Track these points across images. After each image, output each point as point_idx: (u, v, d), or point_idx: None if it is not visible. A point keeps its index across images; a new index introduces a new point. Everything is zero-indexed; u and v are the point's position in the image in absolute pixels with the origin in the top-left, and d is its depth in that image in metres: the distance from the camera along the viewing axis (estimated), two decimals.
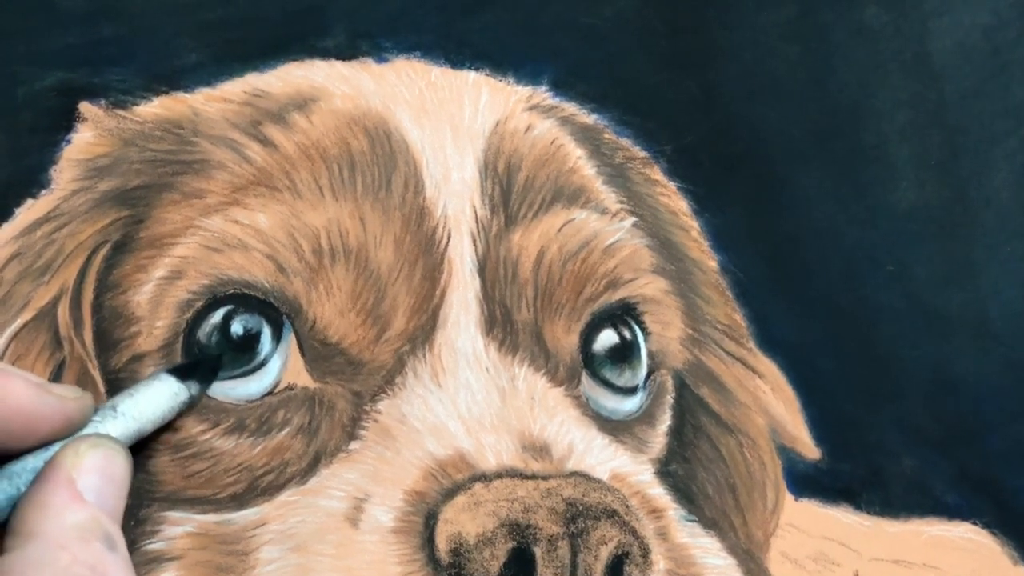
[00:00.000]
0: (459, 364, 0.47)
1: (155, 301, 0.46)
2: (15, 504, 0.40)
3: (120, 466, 0.42)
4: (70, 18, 0.51)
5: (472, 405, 0.46)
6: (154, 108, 0.50)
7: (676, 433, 0.53)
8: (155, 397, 0.44)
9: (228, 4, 0.52)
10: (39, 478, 0.40)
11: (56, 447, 0.41)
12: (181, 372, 0.45)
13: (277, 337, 0.46)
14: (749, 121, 0.57)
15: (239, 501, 0.45)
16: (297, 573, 0.43)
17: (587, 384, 0.50)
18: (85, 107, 0.49)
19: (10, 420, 0.40)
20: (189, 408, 0.45)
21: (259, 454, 0.46)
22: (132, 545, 0.44)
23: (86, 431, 0.42)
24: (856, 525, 0.54)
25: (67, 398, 0.42)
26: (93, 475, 0.40)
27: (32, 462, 0.41)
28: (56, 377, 0.46)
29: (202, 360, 0.46)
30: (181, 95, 0.50)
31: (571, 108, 0.54)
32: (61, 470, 0.40)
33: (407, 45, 0.53)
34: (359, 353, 0.47)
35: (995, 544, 0.55)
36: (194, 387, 0.45)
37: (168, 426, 0.45)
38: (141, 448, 0.45)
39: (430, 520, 0.42)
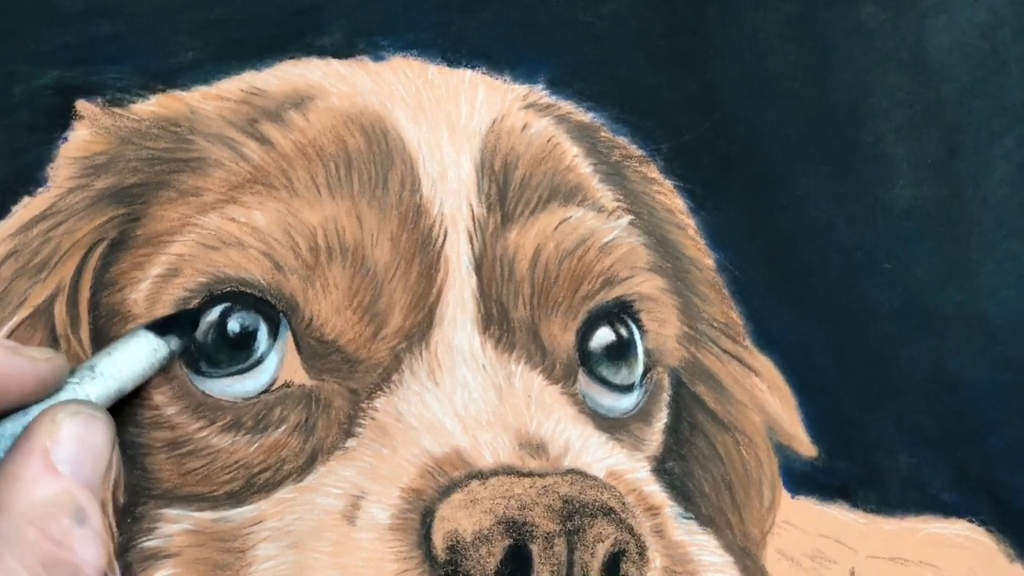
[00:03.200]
0: (456, 362, 0.47)
1: (152, 299, 0.46)
2: None
3: (99, 433, 0.41)
4: (67, 16, 0.51)
5: (469, 403, 0.46)
6: (151, 106, 0.50)
7: (672, 431, 0.53)
8: (134, 354, 0.43)
9: (225, 2, 0.52)
10: (13, 448, 0.39)
11: (36, 410, 0.40)
12: (159, 327, 0.44)
13: (274, 335, 0.46)
14: (746, 119, 0.57)
15: (236, 498, 0.45)
16: (294, 570, 0.43)
17: (584, 382, 0.50)
18: (82, 105, 0.49)
19: None
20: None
21: (256, 451, 0.46)
22: (129, 542, 0.44)
23: (64, 393, 0.41)
24: (852, 523, 0.54)
25: (39, 359, 0.41)
26: (69, 444, 0.40)
27: (10, 427, 0.40)
28: None
29: (181, 314, 0.45)
30: (178, 93, 0.50)
31: (568, 106, 0.54)
32: (36, 439, 0.39)
33: (404, 43, 0.53)
34: (356, 351, 0.47)
35: (991, 542, 0.55)
36: (174, 342, 0.44)
37: (164, 424, 0.45)
38: (137, 447, 0.45)
39: (427, 517, 0.43)
